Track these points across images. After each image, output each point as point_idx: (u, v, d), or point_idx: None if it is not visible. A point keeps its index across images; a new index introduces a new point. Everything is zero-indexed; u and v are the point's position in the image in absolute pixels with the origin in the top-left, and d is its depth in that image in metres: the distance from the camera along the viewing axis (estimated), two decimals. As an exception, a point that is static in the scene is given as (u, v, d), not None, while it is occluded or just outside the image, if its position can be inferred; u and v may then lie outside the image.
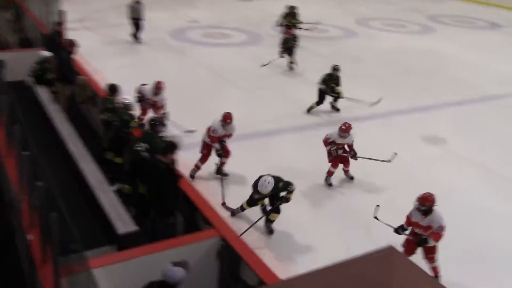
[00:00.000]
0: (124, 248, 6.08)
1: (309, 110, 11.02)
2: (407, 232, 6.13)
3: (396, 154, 8.32)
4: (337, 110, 11.20)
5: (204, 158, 8.08)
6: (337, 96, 10.98)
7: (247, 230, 6.56)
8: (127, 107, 8.36)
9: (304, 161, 8.86)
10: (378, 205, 6.67)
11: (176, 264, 4.34)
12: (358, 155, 8.23)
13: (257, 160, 8.65)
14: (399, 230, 6.20)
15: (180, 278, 4.29)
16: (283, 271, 5.89)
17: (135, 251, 5.90)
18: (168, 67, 13.50)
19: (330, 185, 8.25)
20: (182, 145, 7.91)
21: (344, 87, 10.86)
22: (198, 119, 9.37)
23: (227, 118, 7.86)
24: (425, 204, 5.80)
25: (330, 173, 8.28)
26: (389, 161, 8.27)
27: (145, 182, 7.05)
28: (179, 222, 7.33)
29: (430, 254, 6.04)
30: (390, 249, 2.95)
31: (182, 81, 12.26)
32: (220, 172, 8.07)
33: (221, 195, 7.37)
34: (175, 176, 6.61)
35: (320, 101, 10.97)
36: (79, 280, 4.77)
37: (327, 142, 8.07)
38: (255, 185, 6.64)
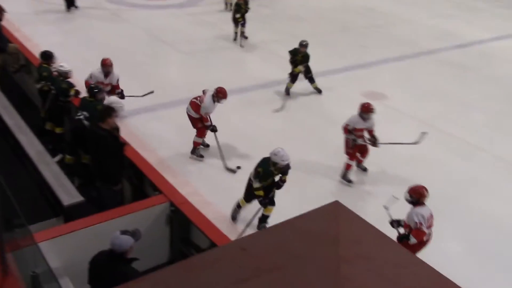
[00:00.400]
0: (71, 220, 5.98)
1: (287, 91, 10.15)
2: (401, 229, 5.58)
3: (424, 133, 7.53)
4: (319, 91, 10.38)
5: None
6: (297, 75, 10.14)
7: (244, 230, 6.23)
8: (63, 74, 8.02)
9: (253, 126, 8.88)
10: (396, 197, 5.68)
11: (123, 232, 4.29)
12: (379, 141, 7.35)
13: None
14: (393, 223, 5.60)
15: (128, 246, 4.26)
16: (235, 232, 5.99)
17: (82, 222, 5.82)
18: (104, 32, 13.02)
19: (349, 181, 7.39)
20: (126, 111, 7.75)
21: (285, 47, 10.82)
22: (141, 85, 9.16)
23: (219, 93, 7.48)
24: (412, 195, 5.47)
25: (348, 167, 7.38)
26: (416, 142, 7.49)
27: (87, 151, 6.89)
28: (126, 189, 7.25)
29: None
30: (336, 204, 3.04)
31: (119, 47, 11.87)
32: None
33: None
34: (118, 143, 6.46)
35: (294, 79, 10.13)
36: (26, 254, 4.67)
37: (346, 129, 7.25)
38: (264, 164, 6.08)
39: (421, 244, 5.43)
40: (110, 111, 6.32)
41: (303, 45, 9.96)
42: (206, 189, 6.97)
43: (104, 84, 8.26)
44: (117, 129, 6.41)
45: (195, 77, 10.47)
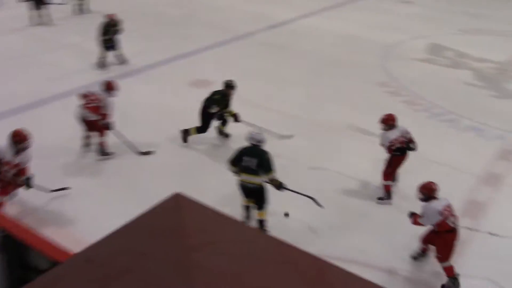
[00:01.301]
0: None
1: (185, 139, 8.32)
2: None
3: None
4: (226, 136, 8.62)
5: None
6: (229, 118, 8.39)
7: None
8: None
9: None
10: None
11: None
12: None
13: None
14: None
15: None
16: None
17: None
18: None
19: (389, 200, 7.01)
20: None
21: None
22: None
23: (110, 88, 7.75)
24: (421, 191, 5.63)
25: (387, 189, 7.02)
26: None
27: None
28: None
29: (436, 252, 5.70)
30: (177, 196, 3.02)
31: None
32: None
33: None
34: None
35: (205, 127, 8.27)
36: None
37: (391, 149, 6.80)
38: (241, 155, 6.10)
39: (450, 233, 5.53)
40: None
41: (231, 86, 8.26)
42: (40, 206, 6.46)
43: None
44: None
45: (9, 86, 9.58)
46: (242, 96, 9.68)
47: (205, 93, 8.28)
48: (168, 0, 17.07)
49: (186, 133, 8.20)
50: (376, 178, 7.22)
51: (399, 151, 6.76)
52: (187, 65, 11.60)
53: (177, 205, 2.95)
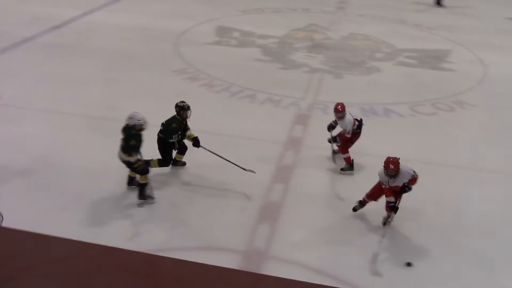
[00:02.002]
0: None
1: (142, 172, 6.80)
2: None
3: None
4: (183, 164, 7.68)
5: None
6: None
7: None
8: None
9: None
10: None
11: None
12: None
13: None
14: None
15: None
16: None
17: None
18: None
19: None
20: None
21: None
22: None
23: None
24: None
25: (348, 161, 7.80)
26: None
27: None
28: None
29: None
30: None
31: None
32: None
33: None
34: None
35: (168, 159, 7.38)
36: None
37: (353, 129, 7.54)
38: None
39: None
40: None
41: (185, 107, 7.19)
42: None
43: None
44: None
45: None
46: (38, 105, 9.04)
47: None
48: None
49: (147, 165, 6.91)
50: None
51: (358, 128, 7.62)
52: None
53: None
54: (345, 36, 14.93)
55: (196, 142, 7.25)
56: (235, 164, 7.18)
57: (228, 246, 6.05)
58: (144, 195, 6.72)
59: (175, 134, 7.11)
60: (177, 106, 7.16)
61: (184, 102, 7.20)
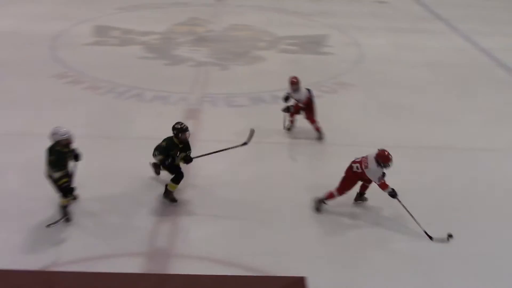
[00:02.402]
0: None
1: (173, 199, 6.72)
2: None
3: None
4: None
5: None
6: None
7: None
8: None
9: None
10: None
11: None
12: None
13: None
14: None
15: None
16: None
17: None
18: None
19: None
20: None
21: None
22: None
23: None
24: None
25: (318, 128, 8.48)
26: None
27: None
28: None
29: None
30: None
31: None
32: None
33: None
34: None
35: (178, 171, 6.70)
36: None
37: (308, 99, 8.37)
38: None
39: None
40: None
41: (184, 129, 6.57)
42: None
43: None
44: None
45: None
46: None
47: None
48: None
49: (169, 195, 6.67)
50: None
51: (311, 97, 8.40)
52: None
53: None
54: (227, 28, 15.06)
55: (187, 160, 6.66)
56: (229, 148, 6.93)
57: (131, 251, 5.87)
58: (61, 217, 6.19)
59: (158, 152, 6.56)
60: (174, 128, 6.51)
61: (181, 123, 6.57)
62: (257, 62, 12.41)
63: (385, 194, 6.20)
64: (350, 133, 8.88)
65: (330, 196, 6.57)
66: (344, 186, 6.51)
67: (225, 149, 7.00)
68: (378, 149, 6.24)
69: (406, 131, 8.99)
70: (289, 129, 8.72)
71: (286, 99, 8.51)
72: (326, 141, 8.51)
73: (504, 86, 11.59)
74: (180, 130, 6.48)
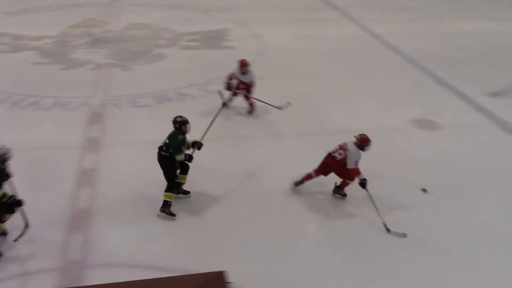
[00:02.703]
0: None
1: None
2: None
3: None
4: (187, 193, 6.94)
5: None
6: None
7: None
8: None
9: None
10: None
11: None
12: None
13: None
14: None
15: None
16: None
17: None
18: None
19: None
20: None
21: None
22: None
23: None
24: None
25: (251, 103, 9.24)
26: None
27: None
28: None
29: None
30: None
31: None
32: None
33: None
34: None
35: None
36: None
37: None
38: None
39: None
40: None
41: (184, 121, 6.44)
42: None
43: None
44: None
45: None
46: None
47: None
48: None
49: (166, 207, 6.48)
50: None
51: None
52: None
53: None
54: (125, 27, 14.68)
55: (199, 144, 6.73)
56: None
57: (44, 266, 5.58)
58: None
59: (184, 146, 6.40)
60: (176, 121, 6.41)
61: (181, 116, 6.47)
62: (159, 60, 12.22)
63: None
64: (257, 123, 9.04)
65: (308, 177, 6.92)
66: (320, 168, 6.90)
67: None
68: (359, 134, 6.66)
69: (309, 117, 9.29)
70: (225, 104, 8.64)
71: (230, 79, 9.09)
72: (239, 134, 8.61)
73: (398, 68, 12.30)
74: (182, 122, 6.41)
